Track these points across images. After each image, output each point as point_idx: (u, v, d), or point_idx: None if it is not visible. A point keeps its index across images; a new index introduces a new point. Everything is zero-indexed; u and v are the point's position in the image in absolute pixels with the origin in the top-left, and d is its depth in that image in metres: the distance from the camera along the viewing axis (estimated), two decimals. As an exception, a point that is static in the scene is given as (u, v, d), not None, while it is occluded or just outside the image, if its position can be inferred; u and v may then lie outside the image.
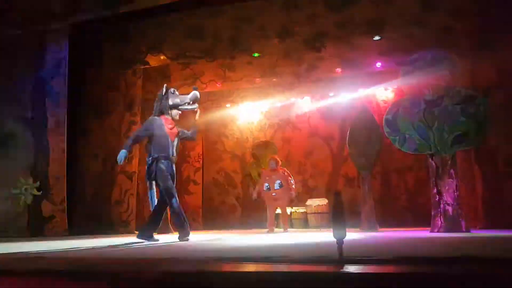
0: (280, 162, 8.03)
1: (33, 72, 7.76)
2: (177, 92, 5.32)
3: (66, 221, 7.38)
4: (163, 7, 7.26)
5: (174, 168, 5.14)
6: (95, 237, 6.25)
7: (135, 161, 8.48)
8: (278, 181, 7.70)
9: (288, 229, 7.92)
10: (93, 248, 3.87)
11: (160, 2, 7.07)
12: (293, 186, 7.86)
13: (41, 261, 2.76)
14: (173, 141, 5.13)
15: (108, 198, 8.20)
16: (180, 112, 5.26)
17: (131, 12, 7.27)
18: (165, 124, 5.12)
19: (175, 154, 5.12)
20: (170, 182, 4.94)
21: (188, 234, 4.84)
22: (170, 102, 5.19)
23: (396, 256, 2.12)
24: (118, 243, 4.56)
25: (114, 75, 8.49)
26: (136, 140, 5.30)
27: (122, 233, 7.70)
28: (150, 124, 5.13)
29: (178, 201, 4.97)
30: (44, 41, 7.79)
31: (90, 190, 8.18)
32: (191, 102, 5.26)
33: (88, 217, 7.95)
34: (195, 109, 5.42)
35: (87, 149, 8.31)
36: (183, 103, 5.24)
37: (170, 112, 5.19)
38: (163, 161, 4.97)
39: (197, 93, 5.33)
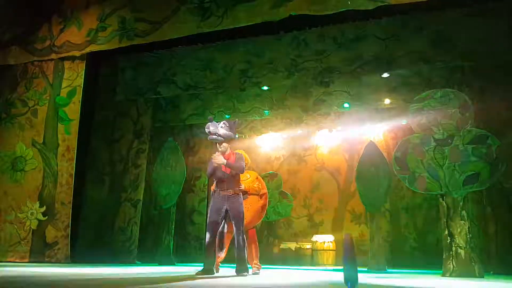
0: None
1: (48, 97, 7.91)
2: (206, 128, 5.00)
3: (69, 247, 7.28)
4: (178, 40, 7.42)
5: (235, 201, 4.88)
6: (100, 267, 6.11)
7: (141, 189, 8.45)
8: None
9: (258, 270, 5.44)
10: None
11: (175, 36, 7.21)
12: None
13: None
14: (229, 173, 4.89)
15: (111, 226, 8.13)
16: (218, 143, 4.94)
17: (146, 43, 7.44)
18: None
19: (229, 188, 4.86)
20: (209, 217, 4.90)
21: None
22: None
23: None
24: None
25: (126, 102, 8.61)
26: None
27: (124, 262, 7.57)
28: (212, 161, 5.04)
29: (208, 237, 4.81)
30: (62, 68, 7.98)
31: (94, 216, 8.11)
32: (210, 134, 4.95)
33: (91, 245, 7.85)
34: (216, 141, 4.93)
35: (94, 175, 8.31)
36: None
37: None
38: (214, 196, 4.96)
39: (207, 124, 4.98)
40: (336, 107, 8.80)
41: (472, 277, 5.03)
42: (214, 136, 4.86)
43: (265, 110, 9.10)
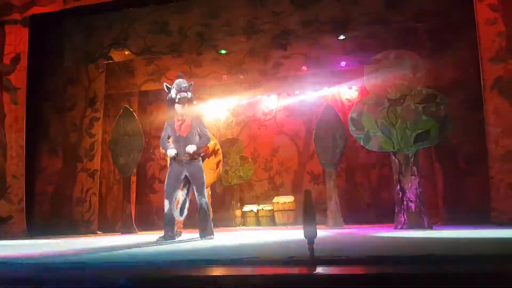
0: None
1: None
2: (179, 84, 4.80)
3: (25, 221, 7.05)
4: (129, 0, 7.05)
5: (195, 166, 4.72)
6: (56, 238, 6.00)
7: (97, 159, 8.23)
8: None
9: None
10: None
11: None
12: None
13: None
14: (185, 137, 4.73)
15: (69, 197, 7.92)
16: (181, 105, 4.76)
17: (94, 4, 7.01)
18: (175, 121, 4.80)
19: (186, 152, 4.64)
20: (167, 185, 4.75)
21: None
22: (172, 96, 4.80)
23: (368, 256, 2.14)
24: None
25: (76, 69, 8.19)
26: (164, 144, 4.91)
27: (84, 233, 7.45)
28: (166, 125, 4.86)
29: (167, 203, 4.70)
30: (3, 33, 7.40)
31: (50, 188, 7.86)
32: (177, 92, 4.73)
33: (48, 217, 7.65)
34: (187, 98, 4.75)
35: (47, 145, 7.98)
36: (175, 95, 4.76)
37: (175, 107, 4.80)
38: (172, 162, 4.77)
39: (178, 80, 4.81)
40: (293, 70, 8.82)
41: (422, 228, 5.38)
42: (184, 94, 4.74)
43: (223, 74, 8.98)
